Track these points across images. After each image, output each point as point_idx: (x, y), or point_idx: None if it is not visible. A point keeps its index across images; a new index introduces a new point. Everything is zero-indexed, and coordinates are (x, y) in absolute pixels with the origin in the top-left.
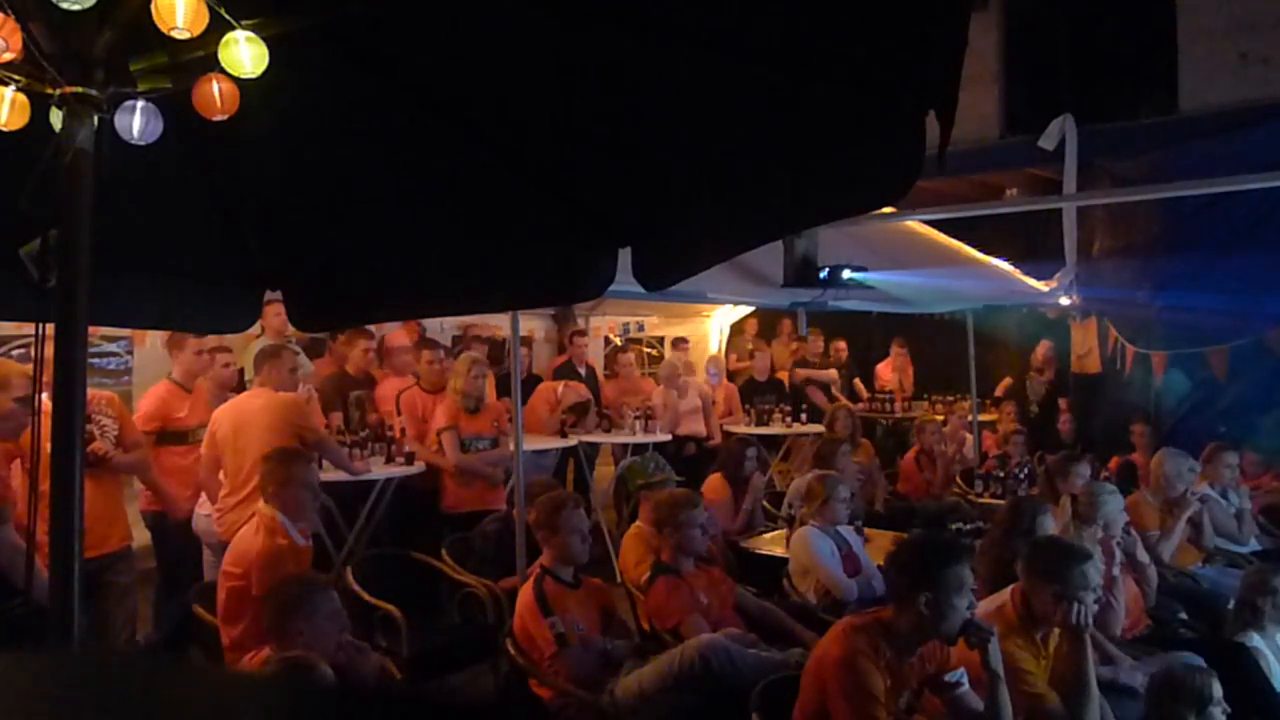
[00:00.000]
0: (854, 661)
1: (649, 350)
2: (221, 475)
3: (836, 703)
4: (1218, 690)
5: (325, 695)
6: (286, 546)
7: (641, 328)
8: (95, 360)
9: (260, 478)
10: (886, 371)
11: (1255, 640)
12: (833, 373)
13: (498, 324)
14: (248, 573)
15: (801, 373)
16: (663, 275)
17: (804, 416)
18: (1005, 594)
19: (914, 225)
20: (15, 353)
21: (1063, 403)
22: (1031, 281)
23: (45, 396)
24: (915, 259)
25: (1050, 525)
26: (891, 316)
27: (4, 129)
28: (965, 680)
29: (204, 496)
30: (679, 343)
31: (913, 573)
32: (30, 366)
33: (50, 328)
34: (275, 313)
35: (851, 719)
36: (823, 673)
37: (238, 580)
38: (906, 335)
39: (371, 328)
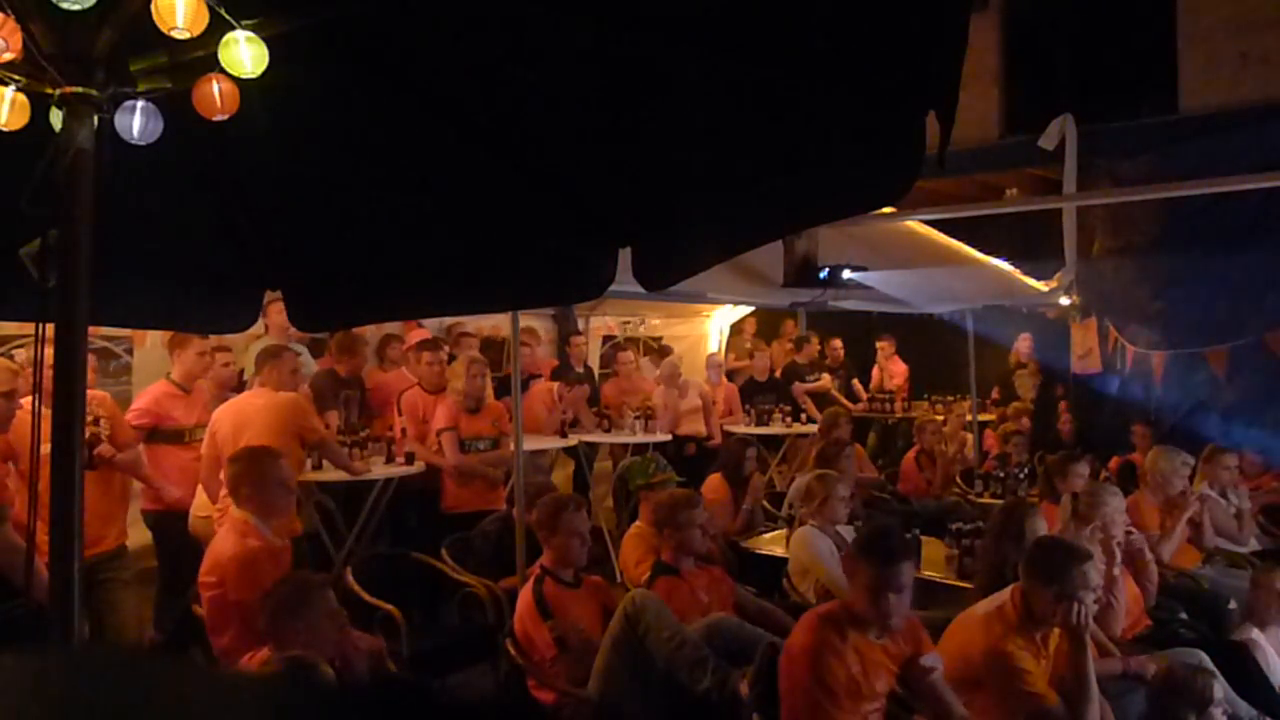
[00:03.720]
0: (818, 652)
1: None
2: (222, 475)
3: (803, 689)
4: (1219, 691)
5: (325, 695)
6: (260, 548)
7: (643, 323)
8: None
9: (230, 480)
10: (875, 372)
11: (1255, 634)
12: (826, 380)
13: (495, 323)
14: (223, 579)
15: (799, 388)
16: (663, 275)
17: (804, 416)
18: (1005, 594)
19: (914, 225)
20: (16, 353)
21: (1062, 405)
22: (1031, 281)
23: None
24: (915, 259)
25: (1041, 528)
26: (889, 316)
27: (4, 129)
28: (940, 666)
29: (202, 497)
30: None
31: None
32: (10, 360)
33: (50, 328)
34: (279, 311)
35: (815, 705)
36: (792, 660)
37: (215, 589)
38: (897, 334)
39: (370, 328)
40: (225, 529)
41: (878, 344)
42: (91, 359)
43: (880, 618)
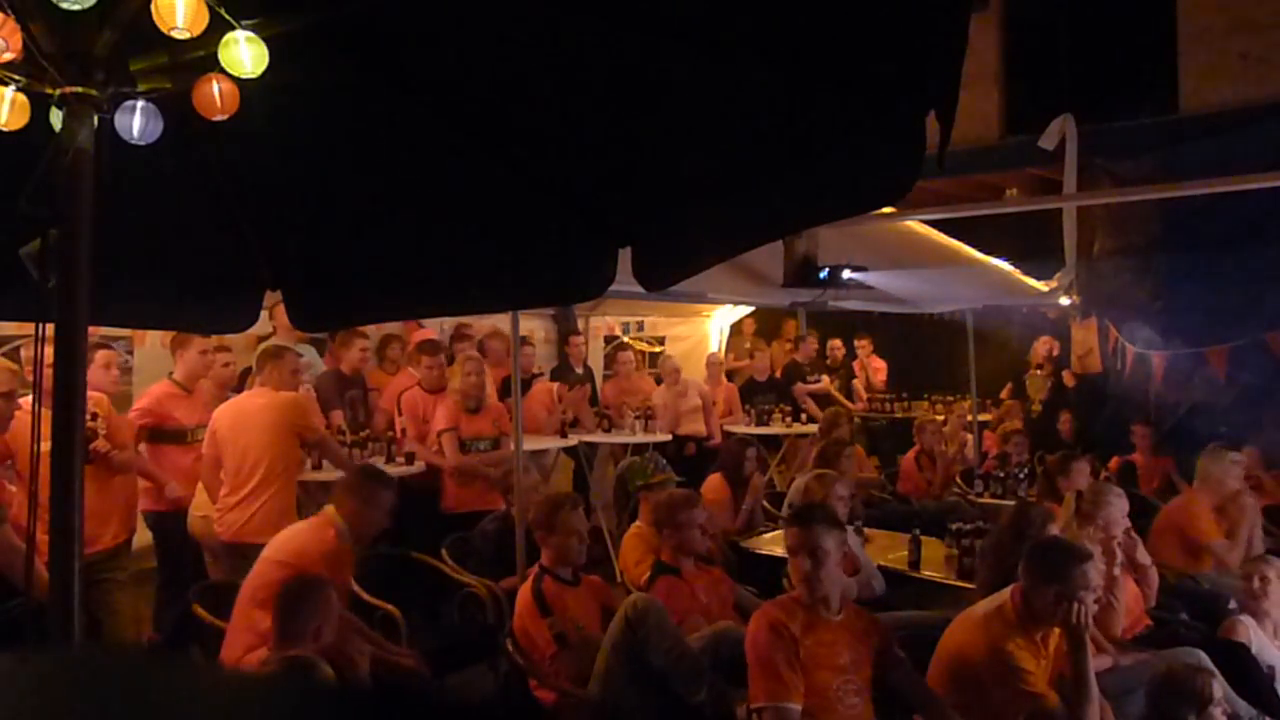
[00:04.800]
0: (760, 629)
1: (647, 348)
2: (221, 474)
3: (752, 665)
4: (1218, 690)
5: (325, 695)
6: (343, 549)
7: (641, 327)
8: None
9: (339, 490)
10: (857, 367)
11: (1244, 617)
12: (825, 381)
13: (494, 322)
14: (306, 567)
15: (800, 389)
16: (663, 275)
17: (804, 416)
18: (1005, 594)
19: (914, 225)
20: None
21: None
22: (1031, 281)
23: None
24: (915, 259)
25: (1054, 531)
26: (886, 316)
27: (4, 129)
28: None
29: (202, 497)
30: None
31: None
32: (8, 360)
33: (50, 328)
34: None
35: (762, 687)
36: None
37: (288, 570)
38: (891, 333)
39: (370, 328)
40: (316, 521)
41: (856, 343)
42: (112, 356)
43: (800, 580)
